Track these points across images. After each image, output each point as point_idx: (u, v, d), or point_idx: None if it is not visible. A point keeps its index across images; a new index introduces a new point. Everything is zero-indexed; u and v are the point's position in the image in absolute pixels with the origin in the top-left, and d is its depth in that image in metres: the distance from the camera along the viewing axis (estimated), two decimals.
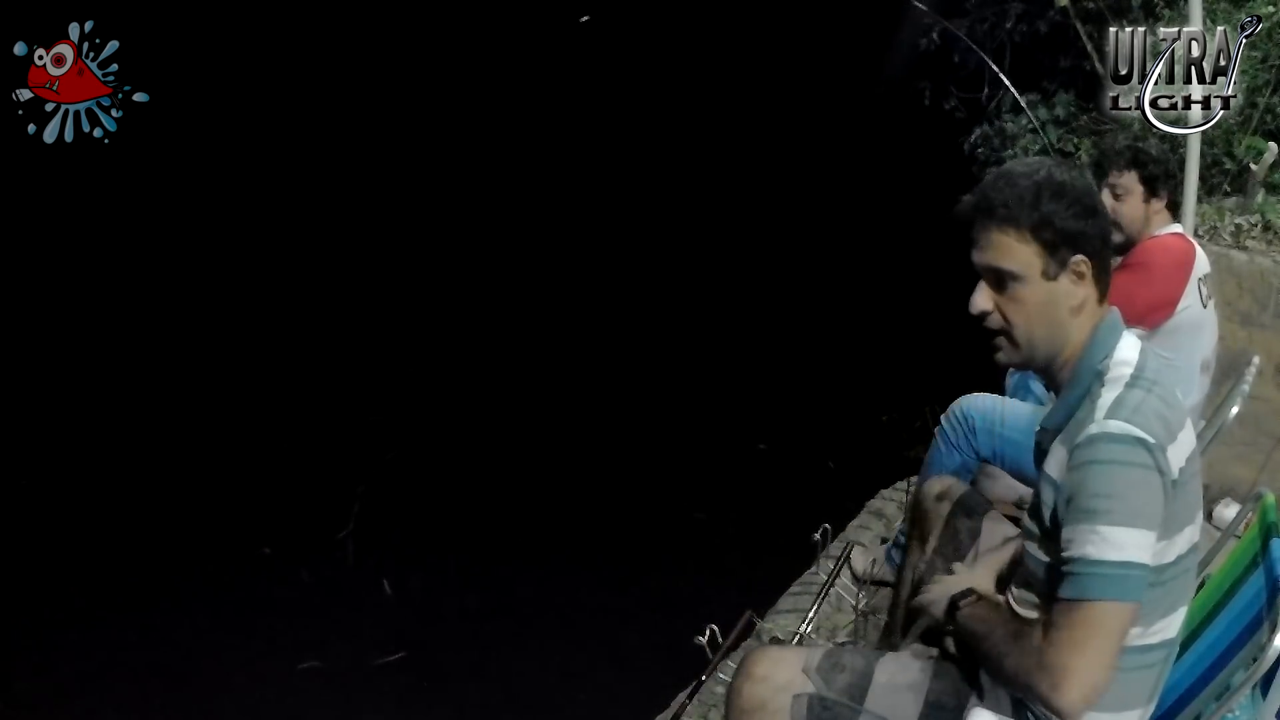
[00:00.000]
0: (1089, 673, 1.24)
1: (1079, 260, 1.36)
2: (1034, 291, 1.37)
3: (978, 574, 1.61)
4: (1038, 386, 2.61)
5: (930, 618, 1.58)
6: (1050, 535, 1.35)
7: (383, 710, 3.37)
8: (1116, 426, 1.27)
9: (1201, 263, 2.56)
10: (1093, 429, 1.29)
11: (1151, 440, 1.26)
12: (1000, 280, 1.38)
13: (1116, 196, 2.55)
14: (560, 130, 9.08)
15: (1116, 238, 2.51)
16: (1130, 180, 2.54)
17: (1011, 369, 2.67)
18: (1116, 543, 1.25)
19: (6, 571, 3.98)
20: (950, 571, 1.66)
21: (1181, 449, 1.31)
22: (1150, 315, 2.42)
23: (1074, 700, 1.25)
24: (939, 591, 1.56)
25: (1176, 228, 2.62)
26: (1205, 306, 2.55)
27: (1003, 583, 1.62)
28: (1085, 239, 1.36)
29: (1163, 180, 2.54)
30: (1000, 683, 1.42)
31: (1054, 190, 1.35)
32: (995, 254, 1.37)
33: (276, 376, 5.54)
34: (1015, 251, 1.36)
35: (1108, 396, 1.31)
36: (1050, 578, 1.34)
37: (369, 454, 4.84)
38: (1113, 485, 1.26)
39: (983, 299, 1.39)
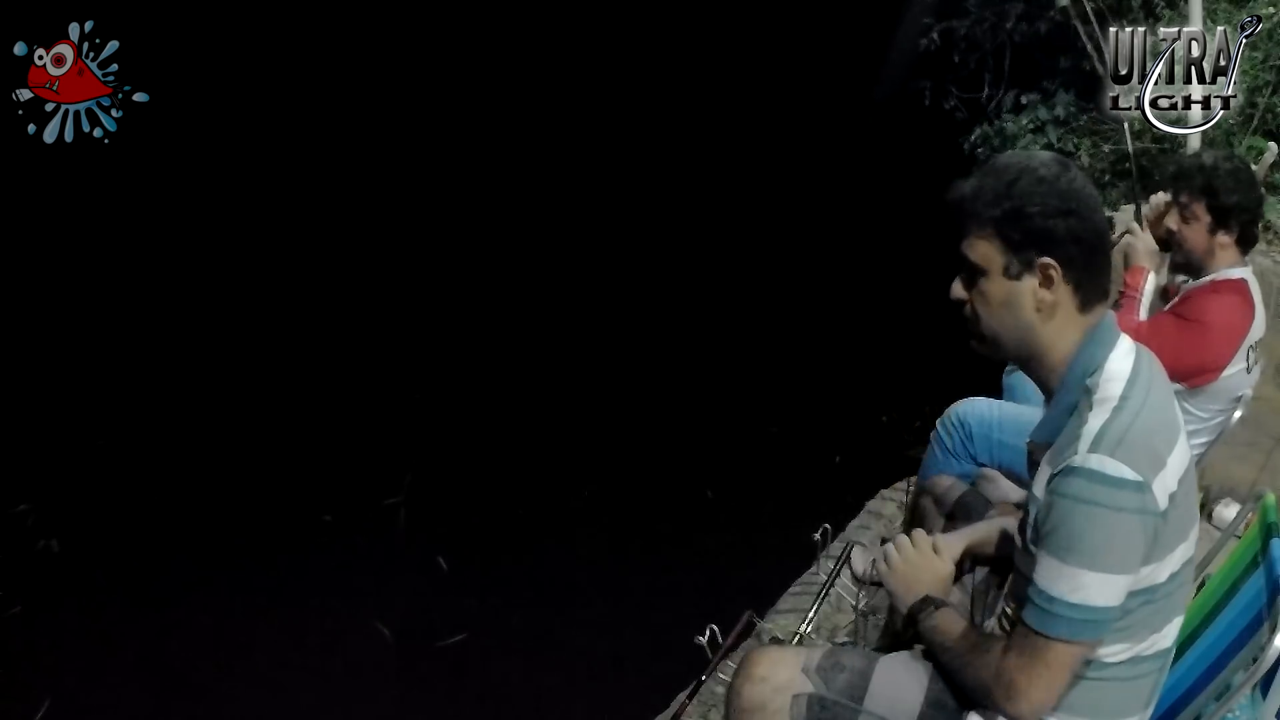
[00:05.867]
0: (1036, 695, 1.30)
1: (1047, 263, 1.30)
2: (995, 288, 1.33)
3: (946, 548, 1.60)
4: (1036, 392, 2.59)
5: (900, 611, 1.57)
6: (1028, 550, 1.33)
7: (379, 705, 3.36)
8: (1098, 463, 1.21)
9: (1257, 327, 2.40)
10: (1075, 460, 1.23)
11: (1135, 479, 1.21)
12: (969, 272, 1.36)
13: (1184, 219, 2.40)
14: (584, 123, 9.09)
15: (1177, 257, 2.49)
16: (1199, 208, 2.37)
17: (1008, 367, 2.66)
18: (1080, 585, 1.23)
19: (72, 537, 4.11)
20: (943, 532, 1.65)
21: (1172, 473, 1.26)
22: (1193, 377, 2.32)
23: (1024, 712, 1.32)
24: (900, 581, 1.56)
25: (1243, 272, 2.40)
26: (1249, 372, 2.40)
27: (970, 560, 1.65)
28: (1055, 241, 1.29)
29: (1234, 213, 2.34)
30: (961, 687, 1.43)
31: (1029, 185, 1.29)
32: (965, 245, 1.36)
33: (289, 370, 5.57)
34: (977, 245, 1.34)
35: (1094, 423, 1.25)
36: (1024, 593, 1.32)
37: (421, 430, 5.01)
38: (1087, 527, 1.22)
39: (957, 288, 1.39)
